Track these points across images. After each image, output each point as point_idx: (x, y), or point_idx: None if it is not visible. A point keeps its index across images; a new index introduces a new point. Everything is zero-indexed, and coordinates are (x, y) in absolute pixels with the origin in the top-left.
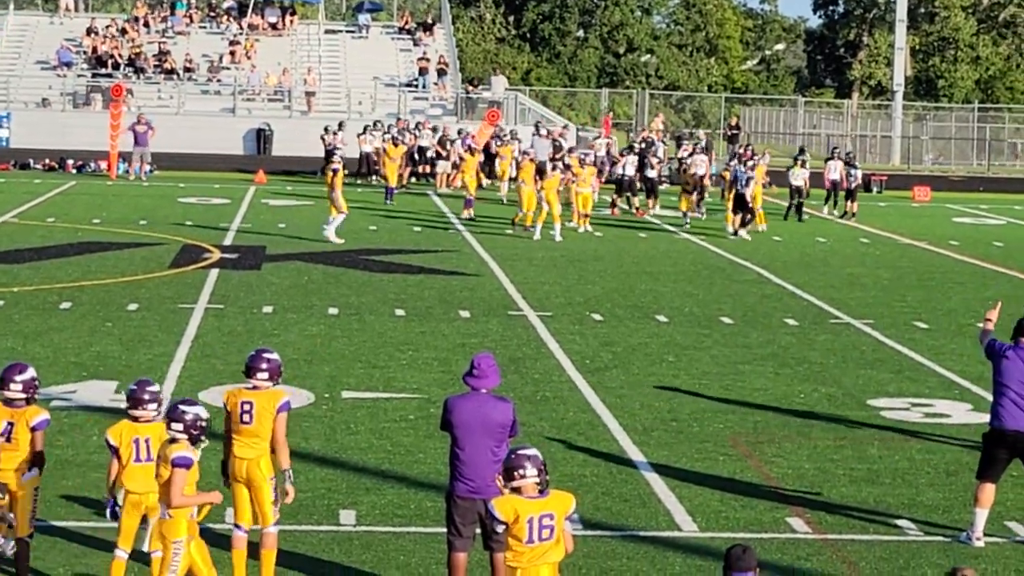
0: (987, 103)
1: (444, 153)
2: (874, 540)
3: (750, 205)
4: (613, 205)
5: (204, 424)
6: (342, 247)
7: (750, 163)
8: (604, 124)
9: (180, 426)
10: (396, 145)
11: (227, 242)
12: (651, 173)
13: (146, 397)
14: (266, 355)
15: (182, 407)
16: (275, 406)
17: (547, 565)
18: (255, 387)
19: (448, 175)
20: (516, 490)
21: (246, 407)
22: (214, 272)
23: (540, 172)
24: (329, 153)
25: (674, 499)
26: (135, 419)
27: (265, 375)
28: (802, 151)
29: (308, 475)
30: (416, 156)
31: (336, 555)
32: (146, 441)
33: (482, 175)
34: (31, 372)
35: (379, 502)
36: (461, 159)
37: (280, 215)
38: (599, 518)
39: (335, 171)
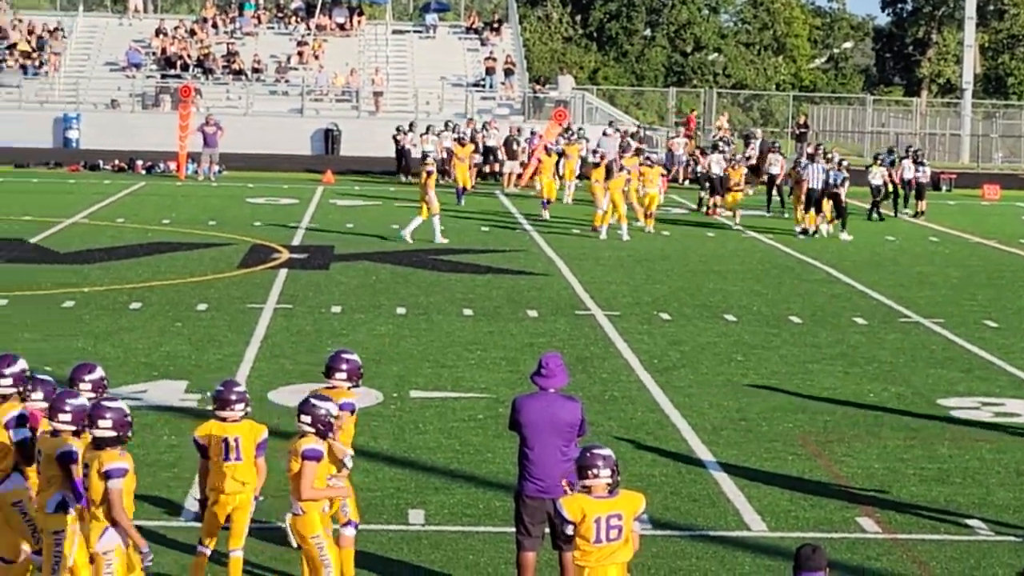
0: None
1: (511, 153)
2: (944, 540)
3: (844, 205)
4: (713, 206)
5: (333, 419)
6: (411, 247)
7: (844, 163)
8: (689, 121)
9: (309, 419)
10: (463, 145)
11: (296, 242)
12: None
13: (233, 398)
14: (345, 355)
15: (313, 401)
16: (337, 403)
17: (615, 565)
18: (333, 387)
19: (516, 175)
20: (586, 489)
21: None
22: (283, 272)
23: (607, 172)
24: (424, 155)
25: (743, 498)
26: (223, 420)
27: (343, 375)
28: (891, 151)
29: (377, 474)
30: (484, 156)
31: (405, 554)
32: (235, 440)
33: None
34: (99, 372)
35: (448, 501)
36: (535, 159)
37: (348, 215)
38: (668, 518)
39: (430, 172)
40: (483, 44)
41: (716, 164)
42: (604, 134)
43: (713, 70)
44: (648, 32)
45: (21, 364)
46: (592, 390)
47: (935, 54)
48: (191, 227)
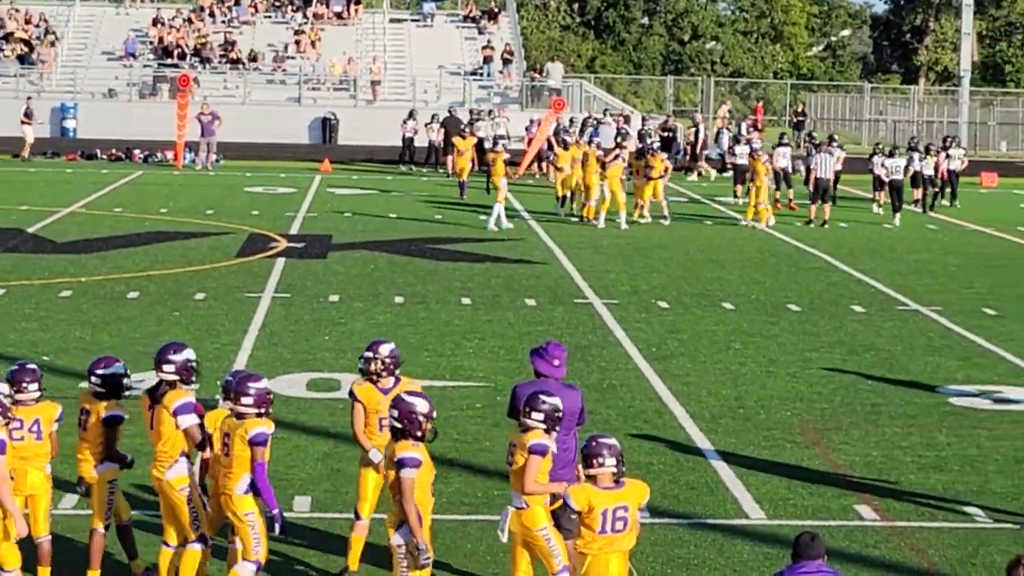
0: None
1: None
2: (943, 527)
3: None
4: (788, 200)
5: (560, 415)
6: (409, 235)
7: (901, 150)
8: (756, 112)
9: (541, 416)
10: (465, 137)
11: (293, 231)
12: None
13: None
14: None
15: (543, 397)
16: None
17: (618, 553)
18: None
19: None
20: (592, 478)
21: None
22: (280, 261)
23: (603, 162)
24: (494, 141)
25: (741, 487)
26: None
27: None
28: (948, 140)
29: None
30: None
31: None
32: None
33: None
34: (119, 367)
35: (446, 491)
36: (532, 149)
37: (346, 204)
38: (666, 506)
39: (506, 161)
40: (480, 33)
41: (783, 158)
42: (599, 123)
43: (711, 58)
44: (645, 20)
45: (187, 353)
46: (590, 379)
47: (933, 42)
48: (189, 216)
